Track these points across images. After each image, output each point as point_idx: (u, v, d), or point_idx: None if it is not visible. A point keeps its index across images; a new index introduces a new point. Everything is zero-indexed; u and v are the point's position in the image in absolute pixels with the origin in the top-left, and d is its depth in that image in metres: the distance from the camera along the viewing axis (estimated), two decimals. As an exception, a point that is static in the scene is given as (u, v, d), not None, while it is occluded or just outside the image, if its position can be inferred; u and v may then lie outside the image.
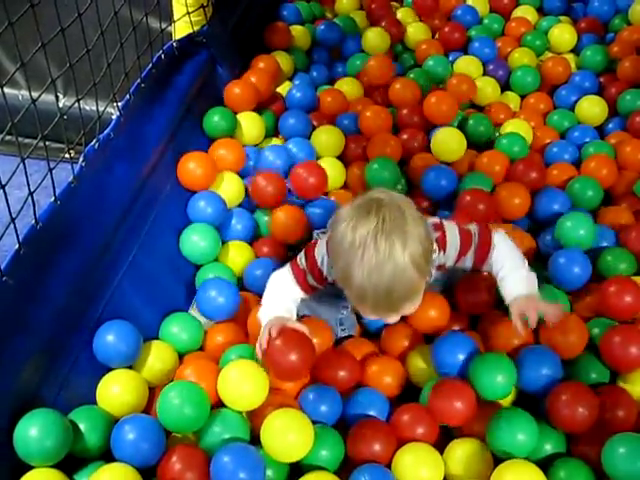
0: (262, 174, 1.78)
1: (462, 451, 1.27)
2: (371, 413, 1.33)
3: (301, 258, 1.37)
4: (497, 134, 2.01)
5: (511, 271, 1.35)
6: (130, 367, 1.39)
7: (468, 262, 1.38)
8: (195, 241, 1.63)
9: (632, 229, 1.64)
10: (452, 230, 1.35)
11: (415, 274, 1.17)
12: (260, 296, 1.45)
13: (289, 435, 1.23)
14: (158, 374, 1.41)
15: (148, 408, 1.35)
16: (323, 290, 1.42)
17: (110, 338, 1.36)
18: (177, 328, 1.49)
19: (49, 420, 1.19)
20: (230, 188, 1.78)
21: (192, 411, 1.24)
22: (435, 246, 1.29)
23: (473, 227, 1.38)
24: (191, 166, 1.73)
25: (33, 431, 1.17)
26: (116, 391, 1.32)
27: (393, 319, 1.30)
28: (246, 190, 1.81)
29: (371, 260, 1.14)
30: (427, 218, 1.31)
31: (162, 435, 1.25)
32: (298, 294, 1.39)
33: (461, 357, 1.34)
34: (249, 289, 1.63)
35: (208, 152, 1.82)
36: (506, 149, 1.91)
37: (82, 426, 1.24)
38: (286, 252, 1.70)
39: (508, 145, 1.92)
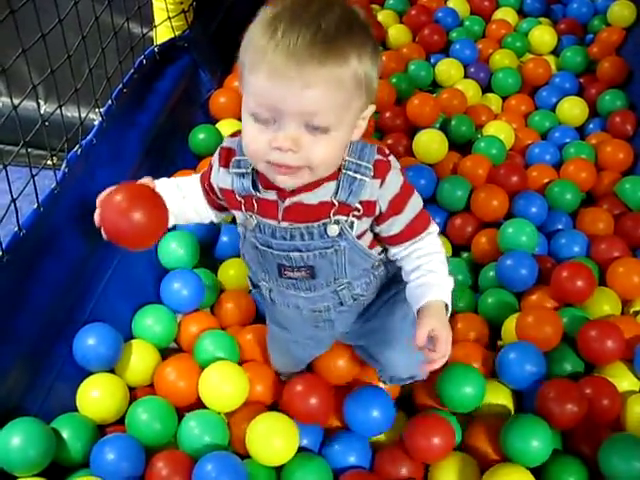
0: None
1: (449, 465, 1.27)
2: (352, 459, 1.30)
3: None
4: (479, 136, 2.02)
5: (439, 268, 1.10)
6: (112, 370, 1.38)
7: (396, 226, 1.07)
8: (173, 249, 1.60)
9: (601, 241, 1.65)
10: (397, 171, 1.05)
11: (348, 67, 0.88)
12: None
13: (274, 439, 1.24)
14: (140, 375, 1.40)
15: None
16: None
17: (90, 342, 1.34)
18: (151, 320, 1.48)
19: (32, 429, 1.17)
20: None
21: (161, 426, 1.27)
22: (371, 167, 1.02)
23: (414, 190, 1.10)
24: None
25: (16, 440, 1.15)
26: (96, 395, 1.31)
27: (287, 132, 0.89)
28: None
29: (282, 15, 0.88)
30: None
31: (142, 453, 1.23)
32: (201, 207, 1.19)
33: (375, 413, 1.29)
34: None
35: (196, 170, 1.80)
36: (484, 152, 1.92)
37: (66, 434, 1.23)
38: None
39: (486, 148, 1.93)
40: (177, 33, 1.90)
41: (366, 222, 1.07)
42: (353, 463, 1.29)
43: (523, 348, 1.38)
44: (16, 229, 1.26)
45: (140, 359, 1.41)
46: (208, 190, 1.15)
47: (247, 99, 0.92)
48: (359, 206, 1.03)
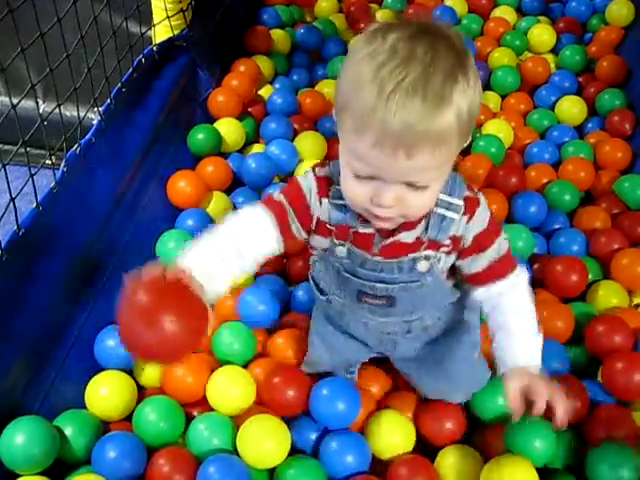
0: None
1: (453, 458, 1.25)
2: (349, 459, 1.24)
3: (280, 192, 1.04)
4: (477, 134, 2.02)
5: (524, 325, 1.06)
6: (130, 370, 1.38)
7: (478, 264, 1.05)
8: (171, 248, 1.60)
9: (601, 234, 1.66)
10: (485, 207, 1.03)
11: (454, 119, 0.81)
12: None
13: (265, 442, 1.22)
14: (151, 374, 1.38)
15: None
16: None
17: (110, 343, 1.37)
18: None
19: (35, 427, 1.17)
20: (217, 207, 1.77)
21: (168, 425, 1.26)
22: (462, 204, 1.00)
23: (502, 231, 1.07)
24: (181, 184, 1.72)
25: (19, 439, 1.15)
26: (104, 393, 1.30)
27: (389, 193, 0.87)
28: (234, 206, 1.81)
29: (393, 75, 0.79)
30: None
31: (144, 452, 1.23)
32: (264, 239, 1.02)
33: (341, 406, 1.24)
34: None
35: (196, 170, 1.81)
36: (483, 151, 1.92)
37: (69, 430, 1.23)
38: (283, 263, 1.66)
39: (485, 147, 1.93)
40: (176, 32, 1.89)
41: (452, 257, 1.05)
42: (351, 464, 1.24)
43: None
44: (15, 228, 1.26)
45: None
46: (286, 226, 1.03)
47: (347, 155, 0.88)
48: (448, 242, 1.02)
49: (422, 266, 1.03)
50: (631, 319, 1.46)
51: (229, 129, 1.92)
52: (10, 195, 1.23)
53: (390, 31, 0.82)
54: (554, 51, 2.34)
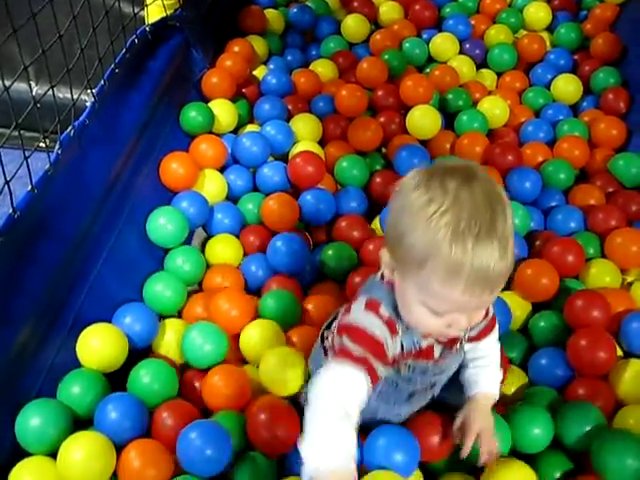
0: (301, 155, 1.79)
1: None
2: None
3: (347, 340, 1.01)
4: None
5: (492, 363, 1.21)
6: (149, 347, 1.45)
7: (475, 331, 1.16)
8: (162, 224, 1.60)
9: (598, 211, 1.68)
10: None
11: (511, 256, 0.92)
12: None
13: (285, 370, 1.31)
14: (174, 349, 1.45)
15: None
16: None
17: (127, 321, 1.41)
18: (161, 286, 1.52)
19: (50, 410, 1.20)
20: (213, 186, 1.77)
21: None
22: None
23: None
24: (173, 166, 1.71)
25: (35, 421, 1.18)
26: (96, 345, 1.33)
27: (479, 315, 1.01)
28: (228, 185, 1.81)
29: (469, 228, 0.88)
30: None
31: (145, 412, 1.26)
32: (362, 393, 0.99)
33: None
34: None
35: (189, 149, 1.80)
36: (467, 127, 1.93)
37: (76, 389, 1.26)
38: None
39: (468, 122, 1.95)
40: (169, 12, 1.88)
41: None
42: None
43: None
44: (10, 211, 1.26)
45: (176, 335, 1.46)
46: (375, 374, 1.02)
47: (425, 297, 0.95)
48: None
49: (465, 347, 1.18)
50: (619, 299, 1.48)
51: (222, 110, 1.92)
52: (5, 178, 1.23)
53: (445, 180, 0.90)
54: (549, 29, 2.34)
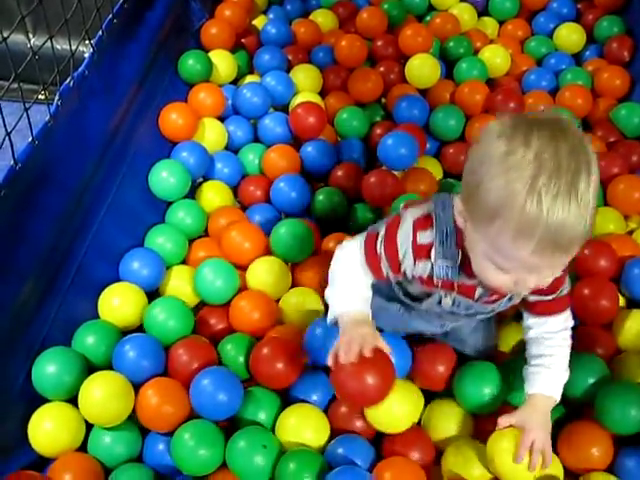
0: (302, 105, 1.79)
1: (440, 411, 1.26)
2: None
3: (381, 242, 1.09)
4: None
5: (557, 363, 1.14)
6: (157, 290, 1.48)
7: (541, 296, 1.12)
8: (164, 177, 1.61)
9: (601, 158, 1.66)
10: None
11: (591, 215, 0.88)
12: None
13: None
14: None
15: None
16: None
17: (135, 265, 1.45)
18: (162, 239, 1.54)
19: (66, 358, 1.24)
20: (212, 135, 1.76)
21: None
22: None
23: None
24: (173, 117, 1.71)
25: (51, 368, 1.22)
26: (116, 303, 1.37)
27: (548, 277, 0.96)
28: (229, 136, 1.81)
29: (548, 186, 0.83)
30: None
31: (161, 351, 1.29)
32: (369, 279, 1.13)
33: None
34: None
35: (188, 98, 1.80)
36: (466, 74, 1.92)
37: (90, 339, 1.29)
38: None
39: (467, 70, 1.93)
40: (167, -39, 1.86)
41: None
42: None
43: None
44: (12, 163, 1.27)
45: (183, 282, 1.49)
46: (382, 277, 1.12)
47: (492, 254, 0.92)
48: None
49: (512, 301, 1.14)
50: (624, 246, 1.48)
51: (221, 61, 1.90)
52: (5, 130, 1.22)
53: (530, 133, 0.85)
54: (552, -24, 2.29)
